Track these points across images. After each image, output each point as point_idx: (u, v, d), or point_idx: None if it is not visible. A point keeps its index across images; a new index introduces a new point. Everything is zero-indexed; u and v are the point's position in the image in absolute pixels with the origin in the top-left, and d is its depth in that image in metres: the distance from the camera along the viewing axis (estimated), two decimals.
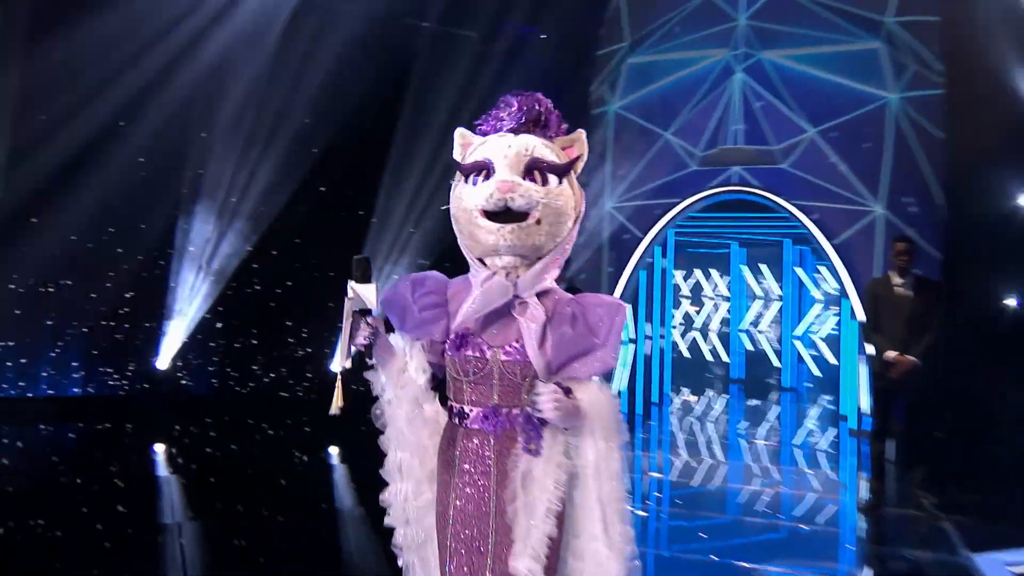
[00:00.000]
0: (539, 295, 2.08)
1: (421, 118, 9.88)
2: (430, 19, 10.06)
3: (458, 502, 2.09)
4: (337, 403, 2.10)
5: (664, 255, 10.77)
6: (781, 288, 12.66)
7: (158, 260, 8.83)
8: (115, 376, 8.74)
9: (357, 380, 2.13)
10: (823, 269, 11.91)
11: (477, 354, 2.09)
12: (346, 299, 2.04)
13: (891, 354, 5.67)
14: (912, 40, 8.81)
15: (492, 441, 2.08)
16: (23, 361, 8.38)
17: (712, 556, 4.98)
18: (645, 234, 9.86)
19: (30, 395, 8.43)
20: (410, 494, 2.18)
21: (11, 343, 8.26)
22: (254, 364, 9.41)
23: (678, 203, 9.70)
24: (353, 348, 2.07)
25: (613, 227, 10.07)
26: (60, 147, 7.83)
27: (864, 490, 6.35)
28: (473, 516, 2.07)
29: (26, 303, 8.23)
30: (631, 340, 10.15)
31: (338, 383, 2.09)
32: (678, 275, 12.43)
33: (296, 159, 9.18)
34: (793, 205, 9.08)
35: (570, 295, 2.16)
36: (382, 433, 2.18)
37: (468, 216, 2.09)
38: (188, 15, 8.52)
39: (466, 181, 2.12)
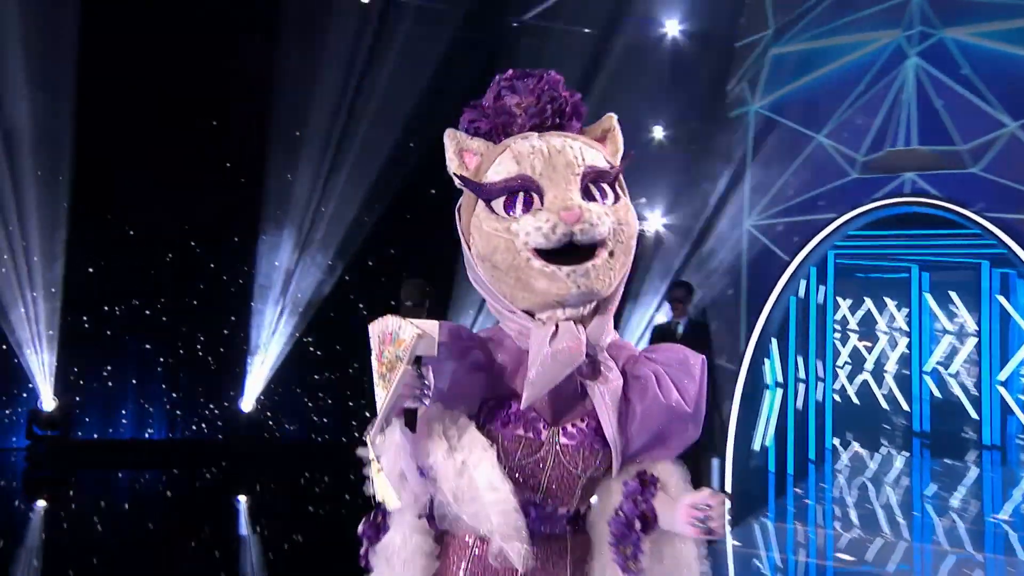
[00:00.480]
0: (607, 349, 1.77)
1: None
2: (535, 15, 9.14)
3: None
4: (393, 499, 1.64)
5: (823, 281, 9.17)
6: (978, 321, 10.83)
7: (236, 292, 8.41)
8: (196, 419, 8.40)
9: None
10: None
11: (531, 434, 1.74)
12: (390, 336, 1.58)
13: None
14: None
15: (535, 557, 1.69)
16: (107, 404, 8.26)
17: None
18: (794, 256, 8.33)
19: (111, 437, 8.28)
20: None
21: (94, 384, 8.15)
22: (343, 403, 8.77)
23: (836, 219, 8.14)
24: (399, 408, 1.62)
25: (754, 249, 8.77)
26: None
27: None
28: None
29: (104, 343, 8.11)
30: (778, 384, 8.73)
31: (377, 469, 1.62)
32: (843, 305, 10.70)
33: (384, 181, 8.46)
34: (987, 219, 7.45)
35: (634, 347, 1.87)
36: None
37: (516, 259, 1.69)
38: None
39: (490, 209, 1.72)
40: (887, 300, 11.43)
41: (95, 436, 8.19)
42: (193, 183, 8.02)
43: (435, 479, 1.65)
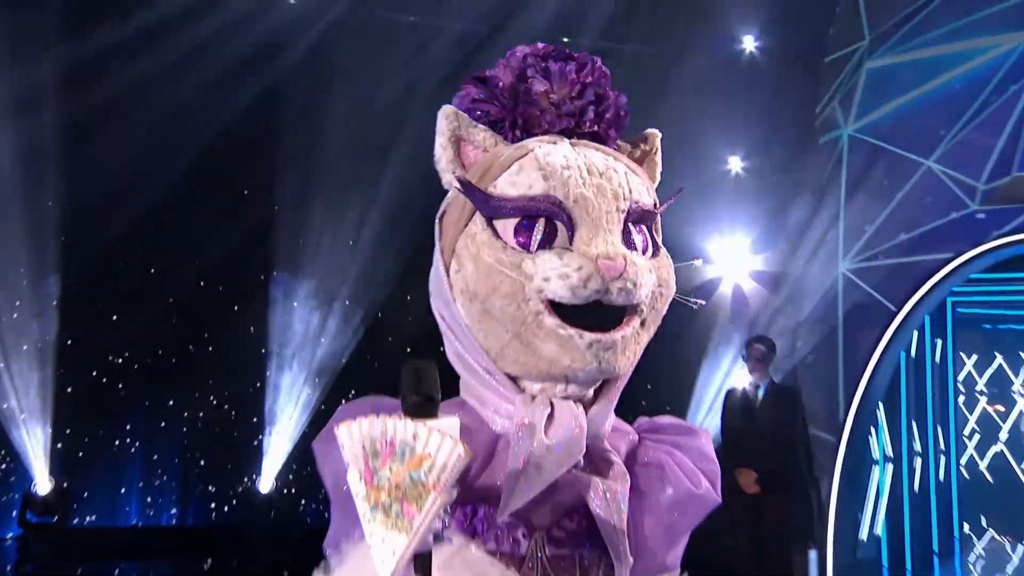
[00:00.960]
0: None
1: None
2: (595, 36, 8.46)
3: None
4: None
5: (941, 334, 8.07)
6: None
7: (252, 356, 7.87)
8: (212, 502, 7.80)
9: None
10: None
11: (506, 547, 1.37)
12: (392, 448, 1.15)
13: None
14: None
15: None
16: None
17: None
18: (902, 305, 7.29)
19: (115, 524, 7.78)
20: None
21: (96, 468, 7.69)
22: None
23: (953, 259, 7.07)
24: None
25: (852, 297, 7.79)
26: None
27: None
28: None
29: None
30: (888, 459, 7.75)
31: None
32: (968, 362, 9.32)
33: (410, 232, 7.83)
34: None
35: (631, 428, 1.54)
36: None
37: (521, 310, 1.33)
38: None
39: (494, 231, 1.35)
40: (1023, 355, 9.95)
41: (96, 522, 7.64)
42: (203, 232, 7.51)
43: None
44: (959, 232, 7.21)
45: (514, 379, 1.38)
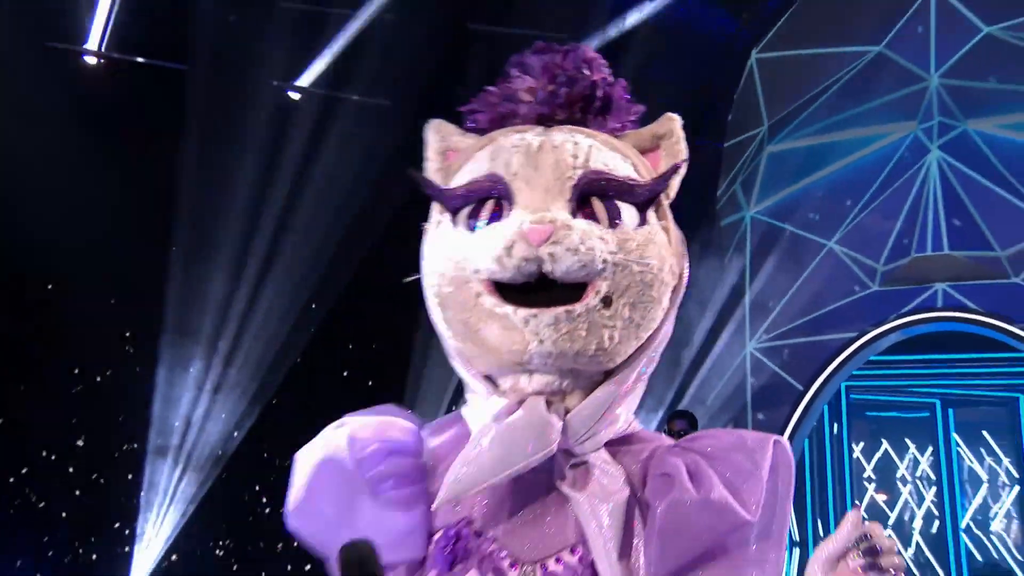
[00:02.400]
0: (612, 446, 1.43)
1: None
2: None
3: None
4: None
5: (837, 419, 8.33)
6: (1018, 467, 10.18)
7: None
8: None
9: None
10: None
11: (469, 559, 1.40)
12: None
13: None
14: None
15: None
16: None
17: None
18: (809, 386, 7.47)
19: None
20: None
21: None
22: None
23: (857, 339, 7.46)
24: None
25: (759, 378, 8.02)
26: None
27: None
28: None
29: None
30: (795, 543, 7.73)
31: None
32: (856, 448, 9.73)
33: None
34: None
35: (672, 440, 1.49)
36: None
37: (463, 294, 1.42)
38: None
39: (453, 222, 1.48)
40: (908, 442, 10.53)
41: None
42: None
43: None
44: (860, 312, 7.60)
45: (491, 379, 1.43)
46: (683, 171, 1.50)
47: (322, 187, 8.09)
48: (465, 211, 1.41)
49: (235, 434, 7.88)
